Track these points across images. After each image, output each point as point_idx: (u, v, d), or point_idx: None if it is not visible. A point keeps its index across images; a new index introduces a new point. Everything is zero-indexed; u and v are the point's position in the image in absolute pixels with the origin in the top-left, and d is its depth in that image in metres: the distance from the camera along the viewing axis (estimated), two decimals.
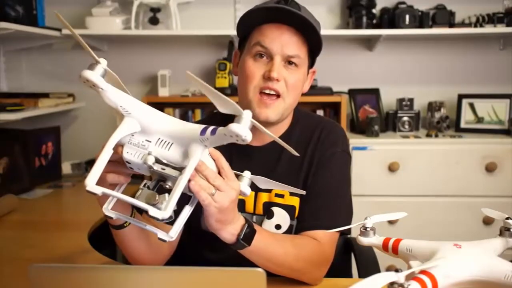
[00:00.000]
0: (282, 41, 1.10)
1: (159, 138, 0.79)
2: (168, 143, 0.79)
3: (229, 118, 1.23)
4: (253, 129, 1.16)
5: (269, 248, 1.00)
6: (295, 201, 1.16)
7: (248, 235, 0.94)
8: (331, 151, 1.18)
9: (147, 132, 0.80)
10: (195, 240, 1.20)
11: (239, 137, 0.71)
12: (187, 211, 0.83)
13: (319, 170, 1.17)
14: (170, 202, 0.75)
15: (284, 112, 1.15)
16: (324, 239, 1.11)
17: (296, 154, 0.82)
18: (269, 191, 1.16)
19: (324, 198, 1.14)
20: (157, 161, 0.79)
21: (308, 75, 1.20)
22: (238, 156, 1.15)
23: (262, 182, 0.93)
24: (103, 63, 0.80)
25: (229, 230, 0.91)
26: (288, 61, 1.12)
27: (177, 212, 0.82)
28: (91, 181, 0.76)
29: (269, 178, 1.00)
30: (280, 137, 1.18)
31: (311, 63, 1.20)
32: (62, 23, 0.75)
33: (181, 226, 0.81)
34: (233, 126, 0.71)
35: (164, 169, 0.78)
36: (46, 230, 1.61)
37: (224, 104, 0.72)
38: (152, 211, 0.75)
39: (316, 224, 1.11)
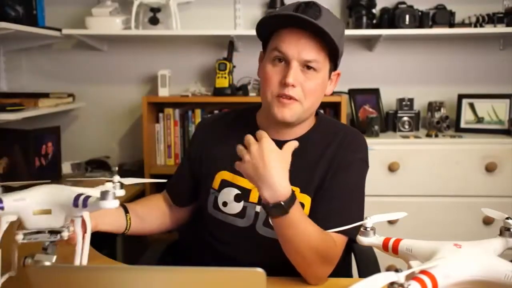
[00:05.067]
0: (299, 46, 1.10)
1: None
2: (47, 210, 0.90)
3: (245, 116, 1.28)
4: (273, 123, 1.18)
5: (296, 229, 1.02)
6: (305, 199, 1.17)
7: (277, 209, 0.97)
8: (352, 157, 1.20)
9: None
10: (202, 223, 1.27)
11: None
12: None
13: (337, 173, 1.17)
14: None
15: (302, 115, 1.16)
16: (336, 240, 1.12)
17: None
18: None
19: (338, 201, 1.15)
20: (27, 234, 0.91)
21: (330, 78, 1.20)
22: None
23: None
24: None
25: (266, 192, 0.97)
26: (307, 66, 1.11)
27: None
28: None
29: None
30: (298, 139, 1.20)
31: (335, 66, 1.20)
32: None
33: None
34: (101, 203, 0.82)
35: (37, 239, 0.91)
36: None
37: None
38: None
39: (328, 226, 1.11)
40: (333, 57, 1.17)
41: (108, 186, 0.98)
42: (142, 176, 2.33)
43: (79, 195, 0.87)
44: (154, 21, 2.43)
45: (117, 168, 2.45)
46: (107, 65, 2.63)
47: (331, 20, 1.13)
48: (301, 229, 1.01)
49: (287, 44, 1.11)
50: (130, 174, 2.37)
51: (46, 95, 2.34)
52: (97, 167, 2.51)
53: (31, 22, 2.23)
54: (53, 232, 0.91)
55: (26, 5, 2.20)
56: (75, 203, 0.87)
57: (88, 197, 0.86)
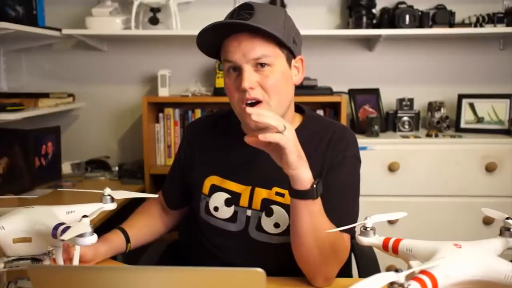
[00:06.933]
0: (243, 49, 1.09)
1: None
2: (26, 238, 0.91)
3: (231, 119, 1.29)
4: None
5: (321, 217, 1.05)
6: None
7: (319, 187, 1.02)
8: (342, 155, 1.18)
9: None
10: (198, 227, 1.28)
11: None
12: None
13: (330, 173, 1.17)
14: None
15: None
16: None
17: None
18: (269, 188, 1.17)
19: (335, 202, 1.14)
20: (9, 261, 0.92)
21: (291, 66, 1.17)
22: (250, 147, 1.17)
23: None
24: None
25: (307, 172, 1.00)
26: (259, 64, 1.10)
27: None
28: None
29: (274, 174, 1.09)
30: None
31: (292, 54, 1.16)
32: None
33: None
34: (77, 240, 0.84)
35: (18, 267, 0.92)
36: None
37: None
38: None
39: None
40: (284, 45, 1.12)
41: (105, 191, 1.01)
42: (142, 176, 2.34)
43: (58, 225, 0.87)
44: (154, 21, 2.43)
45: (117, 168, 2.46)
46: (107, 65, 2.63)
47: (267, 12, 1.11)
48: (324, 219, 1.06)
49: (231, 51, 1.10)
50: (130, 174, 2.37)
51: (46, 95, 2.34)
52: (97, 167, 2.51)
53: (31, 22, 2.23)
54: (35, 259, 0.92)
55: (26, 5, 2.20)
56: (53, 234, 0.86)
57: (67, 227, 0.85)
